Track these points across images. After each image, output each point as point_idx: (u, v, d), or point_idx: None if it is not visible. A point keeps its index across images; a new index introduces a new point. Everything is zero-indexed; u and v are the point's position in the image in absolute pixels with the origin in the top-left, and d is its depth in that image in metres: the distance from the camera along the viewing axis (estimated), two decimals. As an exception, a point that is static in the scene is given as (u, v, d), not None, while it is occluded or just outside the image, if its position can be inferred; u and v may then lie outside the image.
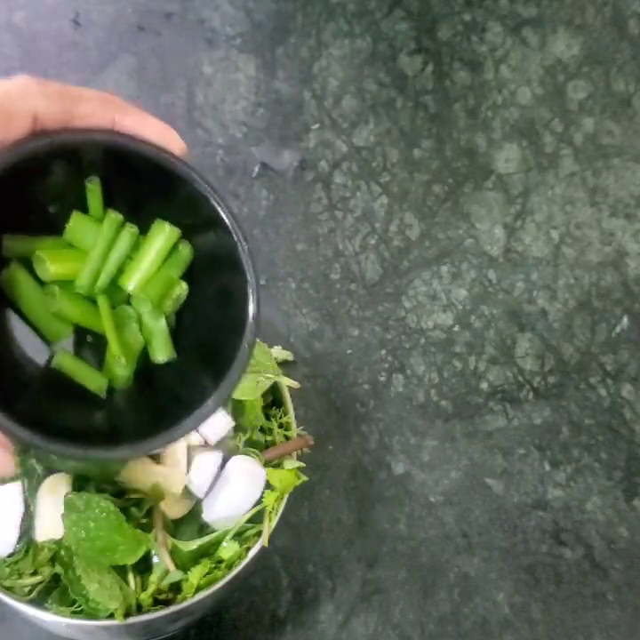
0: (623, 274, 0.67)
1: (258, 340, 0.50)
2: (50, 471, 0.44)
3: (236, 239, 0.33)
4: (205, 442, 0.48)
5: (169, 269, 0.34)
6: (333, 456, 0.62)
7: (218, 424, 0.49)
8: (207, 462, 0.47)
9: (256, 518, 0.47)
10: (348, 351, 0.64)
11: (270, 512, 0.47)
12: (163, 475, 0.45)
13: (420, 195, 0.67)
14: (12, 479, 0.45)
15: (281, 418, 0.50)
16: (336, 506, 0.61)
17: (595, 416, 0.64)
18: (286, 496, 0.47)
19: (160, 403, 0.34)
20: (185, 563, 0.45)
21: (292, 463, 0.48)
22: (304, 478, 0.48)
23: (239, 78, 0.68)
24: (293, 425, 0.50)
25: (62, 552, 0.42)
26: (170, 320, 0.35)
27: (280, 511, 0.47)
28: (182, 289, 0.35)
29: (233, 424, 0.49)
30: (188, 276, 0.35)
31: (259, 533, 0.46)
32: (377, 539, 0.60)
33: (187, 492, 0.46)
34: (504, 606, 0.60)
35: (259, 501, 0.47)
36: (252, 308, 0.32)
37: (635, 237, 0.68)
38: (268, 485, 0.47)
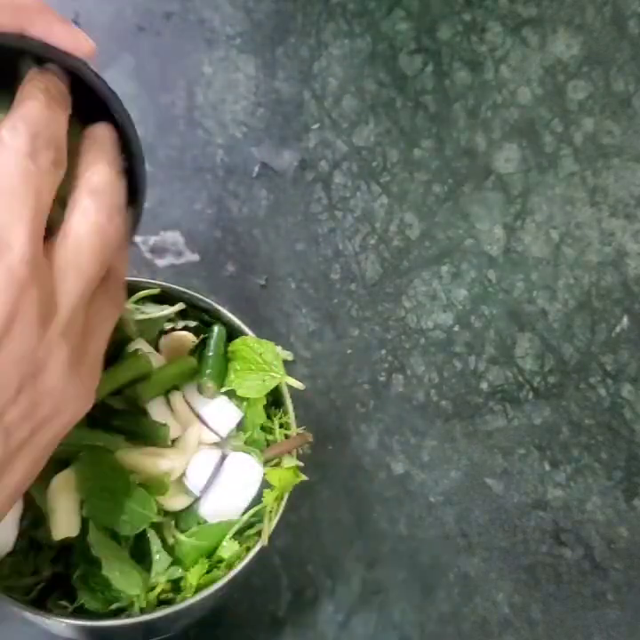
0: (623, 274, 0.67)
1: (266, 340, 0.51)
2: (58, 465, 0.44)
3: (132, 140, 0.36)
4: (215, 434, 0.48)
5: None
6: (333, 456, 0.62)
7: (228, 416, 0.49)
8: (205, 459, 0.47)
9: (256, 518, 0.47)
10: (348, 351, 0.64)
11: (270, 512, 0.47)
12: (168, 459, 0.45)
13: (420, 195, 0.67)
14: None
15: (281, 418, 0.50)
16: (336, 506, 0.61)
17: (595, 416, 0.64)
18: (286, 496, 0.47)
19: None
20: (186, 559, 0.45)
21: (290, 461, 0.48)
22: (303, 477, 0.48)
23: (239, 78, 0.68)
24: (293, 425, 0.50)
25: (82, 546, 0.42)
26: None
27: (280, 511, 0.47)
28: None
29: (242, 415, 0.49)
30: None
31: (259, 533, 0.46)
32: (377, 539, 0.60)
33: (184, 486, 0.46)
34: (504, 606, 0.60)
35: (258, 501, 0.47)
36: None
37: (635, 237, 0.68)
38: (267, 484, 0.47)
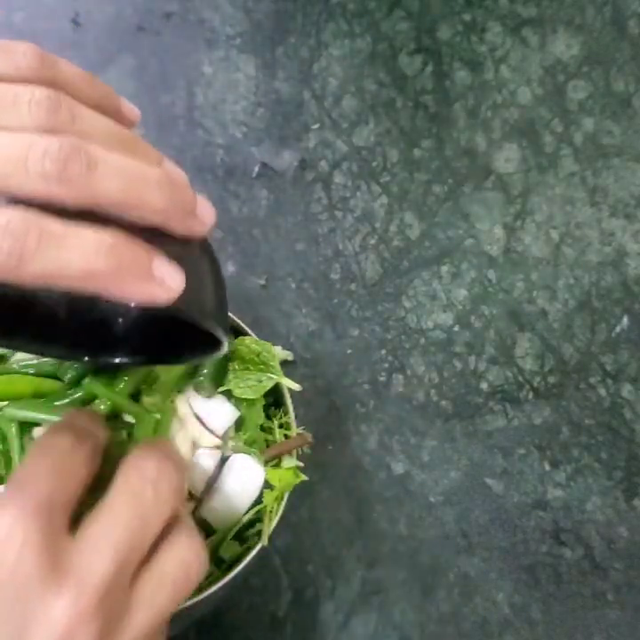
0: (623, 274, 0.67)
1: (264, 341, 0.51)
2: None
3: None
4: (212, 432, 0.48)
5: None
6: (333, 456, 0.62)
7: (225, 415, 0.49)
8: (205, 461, 0.47)
9: (256, 518, 0.47)
10: (348, 351, 0.64)
11: (270, 512, 0.47)
12: None
13: (420, 195, 0.67)
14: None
15: (281, 418, 0.50)
16: (336, 506, 0.61)
17: (595, 416, 0.64)
18: (286, 495, 0.47)
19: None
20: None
21: (290, 462, 0.48)
22: (303, 477, 0.48)
23: (239, 78, 0.68)
24: (293, 425, 0.50)
25: None
26: None
27: (280, 511, 0.47)
28: None
29: (239, 414, 0.49)
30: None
31: (258, 533, 0.46)
32: (377, 539, 0.60)
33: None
34: (504, 606, 0.60)
35: (258, 501, 0.47)
36: None
37: (635, 237, 0.68)
38: (267, 485, 0.47)
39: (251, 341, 0.50)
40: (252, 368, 0.50)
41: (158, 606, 0.30)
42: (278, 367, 0.50)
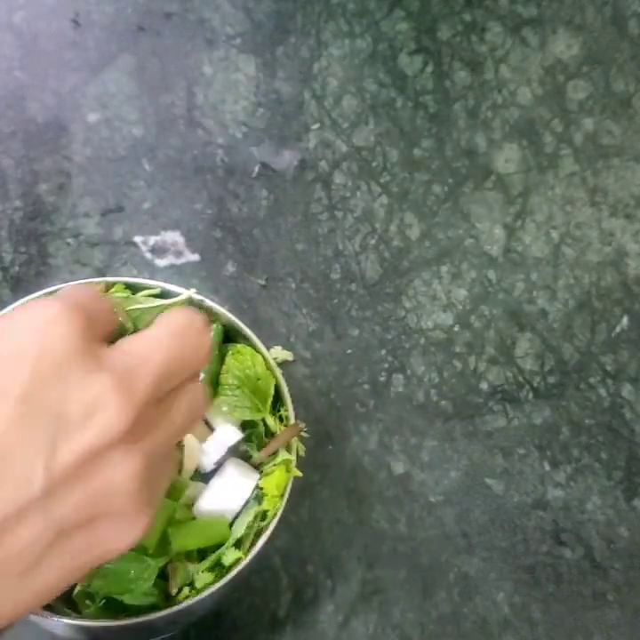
0: (623, 274, 0.67)
1: (256, 352, 0.50)
2: None
3: None
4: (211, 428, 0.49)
5: None
6: (333, 456, 0.62)
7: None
8: (207, 456, 0.47)
9: (255, 519, 0.47)
10: (348, 351, 0.64)
11: (270, 512, 0.47)
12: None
13: (420, 195, 0.67)
14: None
15: (280, 411, 0.51)
16: (336, 506, 0.61)
17: (595, 416, 0.64)
18: (286, 496, 0.47)
19: None
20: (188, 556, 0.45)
21: (284, 454, 0.48)
22: (296, 473, 0.48)
23: (239, 78, 0.68)
24: (292, 419, 0.50)
25: None
26: None
27: (280, 511, 0.47)
28: None
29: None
30: None
31: (258, 534, 0.46)
32: (377, 539, 0.60)
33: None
34: (504, 606, 0.60)
35: (255, 499, 0.47)
36: None
37: (635, 237, 0.68)
38: (261, 495, 0.47)
39: (245, 351, 0.50)
40: (244, 382, 0.49)
41: (179, 424, 0.30)
42: (267, 373, 0.49)
